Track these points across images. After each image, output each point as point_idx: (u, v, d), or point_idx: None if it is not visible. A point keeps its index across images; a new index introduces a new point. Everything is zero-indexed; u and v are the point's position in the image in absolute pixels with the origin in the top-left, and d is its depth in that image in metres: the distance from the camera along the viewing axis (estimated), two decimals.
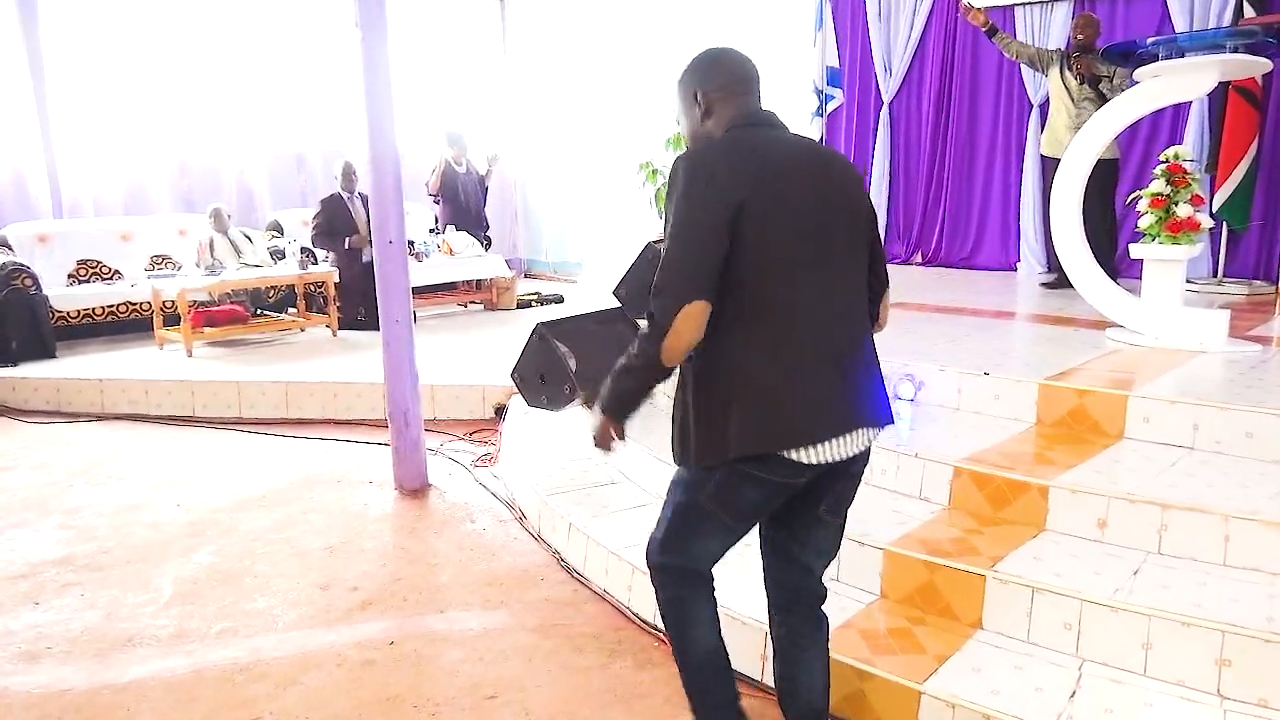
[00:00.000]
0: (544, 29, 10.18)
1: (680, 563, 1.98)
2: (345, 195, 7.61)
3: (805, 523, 1.97)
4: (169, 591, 3.25)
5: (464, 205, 8.55)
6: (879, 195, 7.53)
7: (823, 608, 2.08)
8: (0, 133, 7.61)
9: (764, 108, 1.89)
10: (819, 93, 7.38)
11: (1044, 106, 6.51)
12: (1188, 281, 4.72)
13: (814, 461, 1.76)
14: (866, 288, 1.92)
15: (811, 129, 7.52)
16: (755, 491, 1.82)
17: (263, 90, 8.81)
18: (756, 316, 1.73)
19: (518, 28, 10.46)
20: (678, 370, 1.83)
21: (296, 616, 3.04)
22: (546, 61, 10.23)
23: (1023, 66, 6.57)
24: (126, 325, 7.21)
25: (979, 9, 5.63)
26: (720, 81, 1.87)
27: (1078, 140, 4.16)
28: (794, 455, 1.75)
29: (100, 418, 5.71)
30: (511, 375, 3.28)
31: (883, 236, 6.68)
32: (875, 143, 7.51)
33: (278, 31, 8.78)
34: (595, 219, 9.87)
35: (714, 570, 2.01)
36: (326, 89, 9.04)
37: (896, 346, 4.17)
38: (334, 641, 2.85)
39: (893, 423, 1.97)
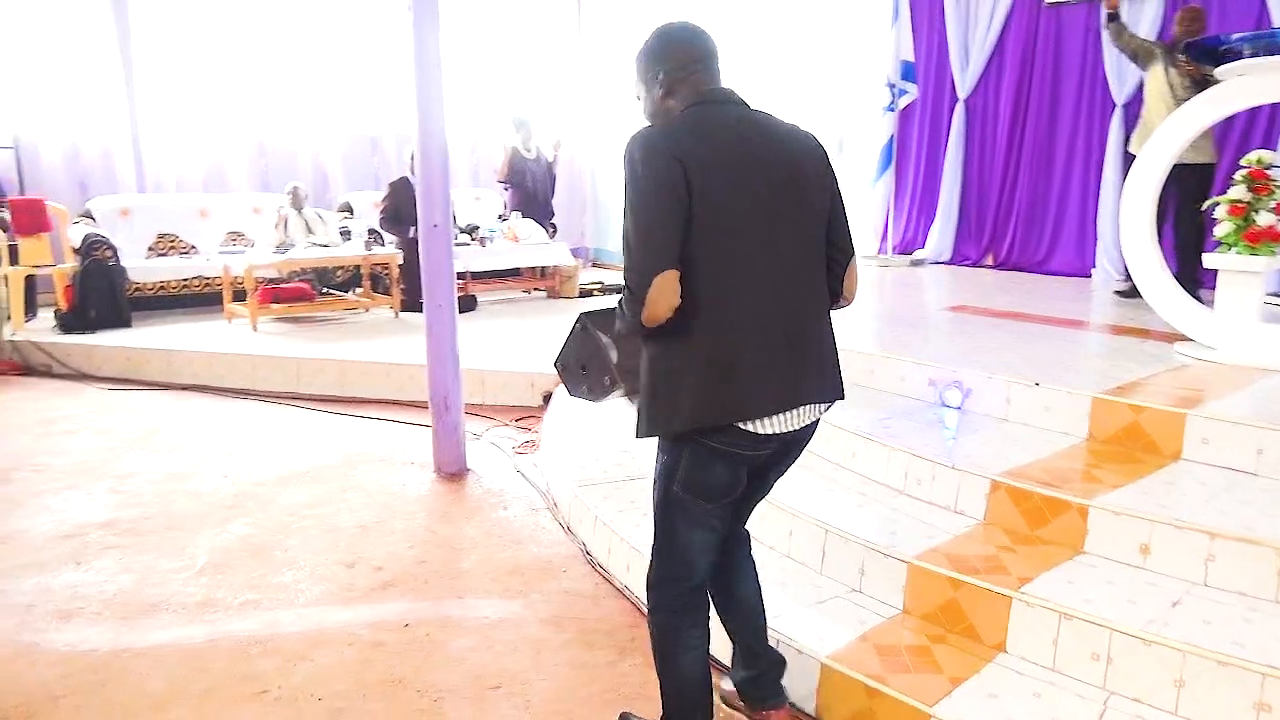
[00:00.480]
0: (620, 10, 10.13)
1: (673, 572, 2.02)
2: (414, 179, 7.68)
3: (756, 488, 2.08)
4: (202, 560, 3.32)
5: (531, 192, 8.59)
6: (950, 195, 7.29)
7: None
8: (91, 111, 7.91)
9: (723, 85, 1.92)
10: (891, 87, 7.18)
11: (1129, 105, 6.21)
12: (1269, 295, 4.44)
13: (771, 433, 1.83)
14: (823, 262, 1.95)
15: (883, 125, 7.33)
16: (724, 466, 1.87)
17: (340, 74, 8.97)
18: (708, 292, 1.76)
19: (593, 9, 10.43)
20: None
21: (319, 593, 3.07)
22: (621, 45, 10.18)
23: (1108, 63, 6.27)
24: (199, 298, 7.44)
25: None
26: (680, 59, 1.88)
27: (1151, 142, 3.94)
28: (750, 427, 1.81)
29: (167, 387, 5.90)
30: (555, 364, 3.27)
31: (952, 236, 6.44)
32: (948, 140, 7.27)
33: (356, 16, 8.93)
34: None
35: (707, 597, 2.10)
36: (402, 73, 9.15)
37: (948, 351, 4.02)
38: (349, 620, 2.87)
39: (842, 397, 2.03)
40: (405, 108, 9.05)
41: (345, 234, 7.85)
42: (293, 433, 4.92)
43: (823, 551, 2.87)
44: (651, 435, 1.91)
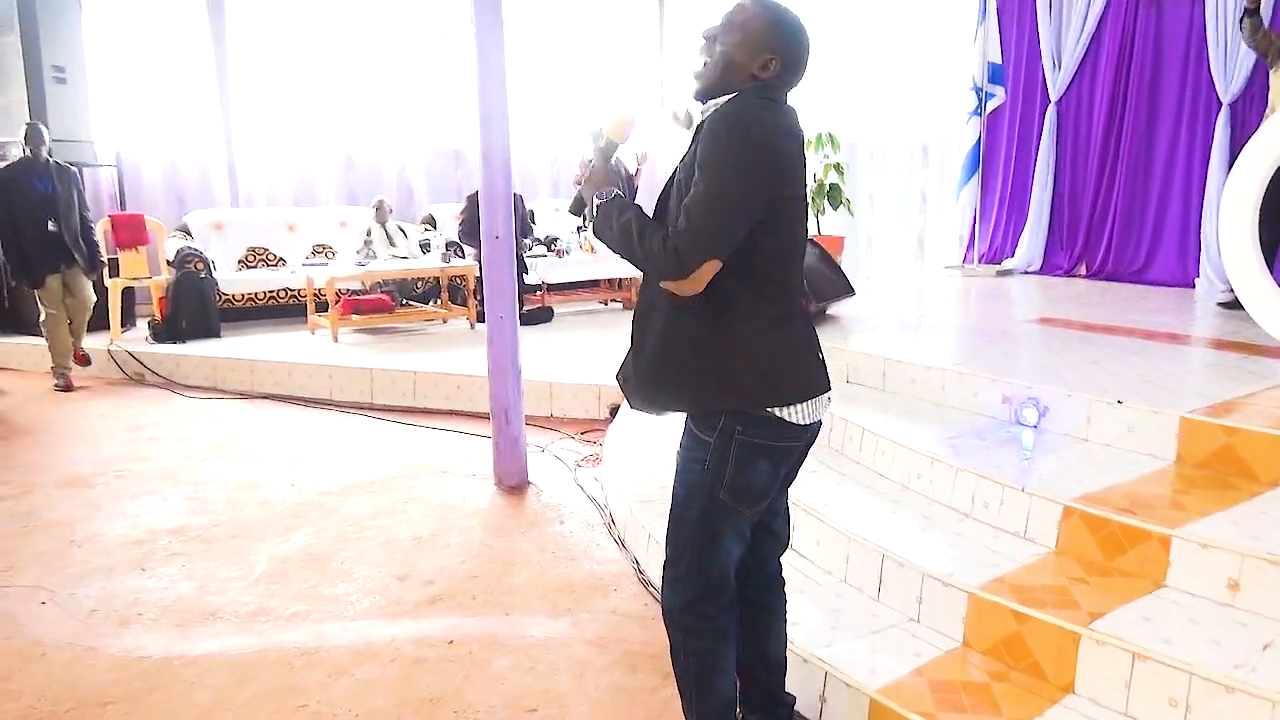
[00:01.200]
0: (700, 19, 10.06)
1: (707, 591, 1.92)
2: None
3: (780, 493, 2.04)
4: (260, 569, 3.36)
5: None
6: (1041, 201, 6.97)
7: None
8: (189, 130, 8.25)
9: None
10: (978, 90, 6.92)
11: (1235, 104, 5.83)
12: None
13: (808, 422, 1.85)
14: None
15: (968, 129, 7.07)
16: (768, 464, 1.85)
17: (424, 88, 9.14)
18: (770, 288, 1.80)
19: (676, 19, 10.39)
20: (658, 330, 1.83)
21: (367, 605, 3.07)
22: None
23: (1213, 59, 5.90)
24: (286, 309, 7.66)
25: None
26: (794, 76, 1.83)
27: (1254, 143, 3.66)
28: (792, 416, 1.81)
29: (249, 396, 6.07)
30: (617, 377, 3.20)
31: (1043, 245, 6.15)
32: (1039, 144, 6.95)
33: (440, 31, 9.09)
34: None
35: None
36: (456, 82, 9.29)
37: (1027, 366, 3.81)
38: (395, 635, 2.85)
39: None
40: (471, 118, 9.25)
41: (425, 247, 7.98)
42: (362, 443, 4.99)
43: (880, 578, 2.72)
44: (693, 409, 1.86)
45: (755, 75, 1.79)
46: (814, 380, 1.86)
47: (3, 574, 3.34)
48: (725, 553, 1.89)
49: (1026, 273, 7.03)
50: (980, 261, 7.28)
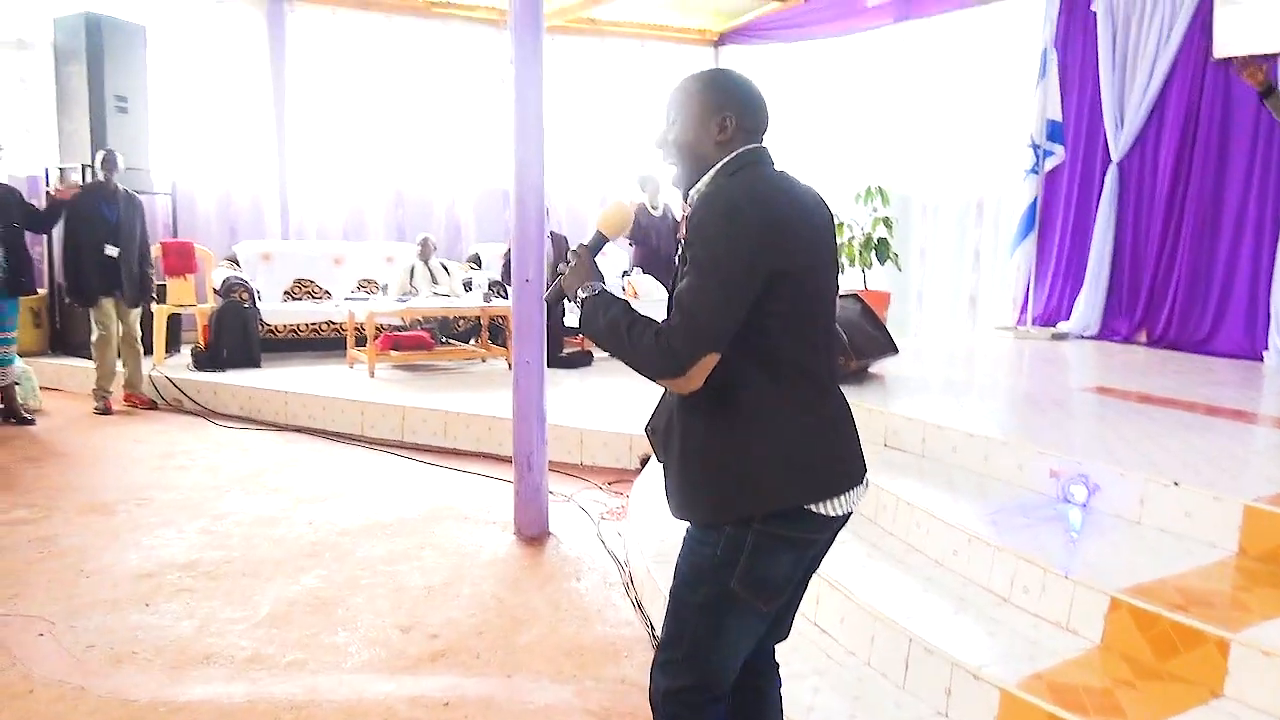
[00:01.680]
0: (752, 70, 10.04)
1: (702, 681, 1.75)
2: None
3: (800, 586, 1.86)
4: (264, 611, 3.26)
5: (655, 249, 8.51)
6: (1100, 263, 6.71)
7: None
8: (244, 162, 8.41)
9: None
10: (1036, 148, 6.72)
11: None
12: None
13: (838, 514, 1.69)
14: None
15: (1025, 188, 6.87)
16: (789, 556, 1.69)
17: (475, 128, 9.21)
18: (785, 369, 1.65)
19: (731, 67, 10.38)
20: (676, 422, 1.73)
21: (367, 658, 2.94)
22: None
23: None
24: (327, 342, 7.68)
25: (1259, 66, 4.75)
26: (755, 121, 1.73)
27: None
28: (822, 509, 1.66)
29: (281, 428, 6.05)
30: (646, 430, 3.06)
31: (1101, 309, 5.90)
32: (1099, 204, 6.71)
33: (493, 73, 9.18)
34: None
35: None
36: None
37: (1078, 438, 3.59)
38: (390, 692, 2.72)
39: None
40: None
41: (468, 285, 7.97)
42: (387, 482, 4.90)
43: (906, 664, 2.52)
44: (719, 520, 1.68)
45: (719, 142, 1.69)
46: (844, 471, 1.70)
47: (9, 601, 3.29)
48: (730, 646, 1.72)
49: (1082, 337, 6.76)
50: (1034, 323, 7.02)
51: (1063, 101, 6.80)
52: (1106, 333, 6.71)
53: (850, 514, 1.73)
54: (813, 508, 1.65)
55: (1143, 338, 6.55)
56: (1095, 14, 6.69)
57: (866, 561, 3.08)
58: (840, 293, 5.32)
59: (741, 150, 1.69)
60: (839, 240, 6.76)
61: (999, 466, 3.47)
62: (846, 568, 3.00)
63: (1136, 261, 6.64)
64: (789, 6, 9.48)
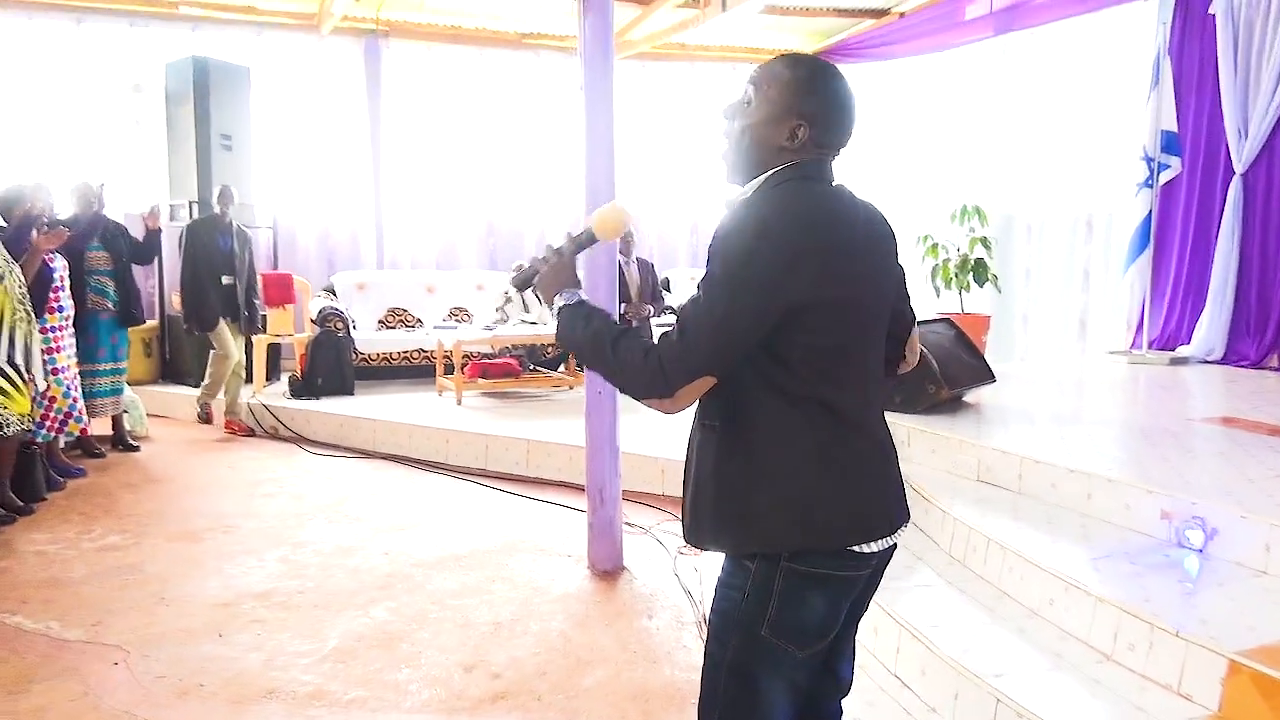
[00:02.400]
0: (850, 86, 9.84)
1: None
2: (623, 259, 7.71)
3: (847, 629, 1.71)
4: (331, 644, 3.24)
5: None
6: (1224, 281, 6.23)
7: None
8: (341, 197, 8.67)
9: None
10: (1149, 161, 6.31)
11: None
12: None
13: (874, 550, 1.55)
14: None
15: (1138, 203, 6.45)
16: (823, 598, 1.53)
17: (568, 157, 9.25)
18: (806, 403, 1.50)
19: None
20: (696, 443, 1.62)
21: (426, 698, 2.87)
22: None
23: None
24: (418, 370, 7.79)
25: None
26: (833, 137, 1.56)
27: None
28: (860, 547, 1.52)
29: (369, 455, 6.13)
30: None
31: (1225, 331, 5.46)
32: (1221, 219, 6.25)
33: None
34: None
35: None
36: (620, 156, 9.33)
37: (1195, 476, 3.27)
38: None
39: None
40: (619, 189, 9.29)
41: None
42: (466, 511, 4.88)
43: None
44: (738, 550, 1.55)
45: (784, 147, 1.53)
46: (873, 515, 1.54)
47: (91, 628, 3.36)
48: (768, 706, 1.55)
49: (1205, 361, 6.28)
50: (1150, 347, 6.57)
51: (1178, 111, 6.37)
52: (1232, 357, 6.22)
53: (893, 548, 1.59)
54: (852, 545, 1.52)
55: (1274, 362, 6.04)
56: (1214, 17, 6.26)
57: (952, 608, 2.85)
58: (929, 318, 5.08)
59: (801, 163, 1.54)
60: (934, 261, 6.52)
61: (1104, 506, 3.19)
62: (929, 614, 2.78)
63: (1265, 280, 6.14)
64: (883, 24, 9.24)
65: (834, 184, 1.56)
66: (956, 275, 6.12)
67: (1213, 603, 2.48)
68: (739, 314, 1.42)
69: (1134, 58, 6.74)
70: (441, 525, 4.63)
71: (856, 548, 1.51)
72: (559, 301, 1.61)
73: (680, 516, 1.65)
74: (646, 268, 7.78)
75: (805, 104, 1.52)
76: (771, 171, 1.54)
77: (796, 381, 1.48)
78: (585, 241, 1.69)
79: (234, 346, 6.45)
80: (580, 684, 2.98)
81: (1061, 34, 7.39)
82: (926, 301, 6.67)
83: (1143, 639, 2.37)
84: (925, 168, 8.73)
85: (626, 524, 4.14)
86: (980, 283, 6.09)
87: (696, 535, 1.59)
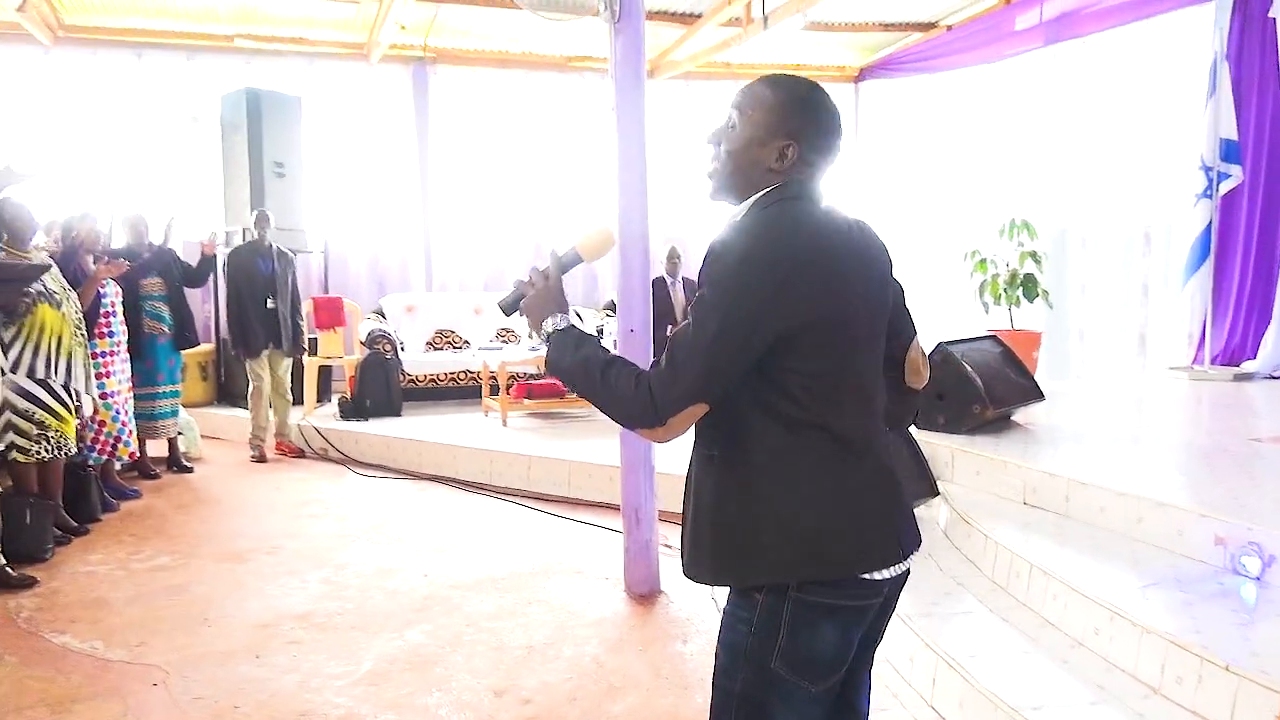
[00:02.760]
0: (896, 111, 9.73)
1: None
2: (669, 279, 7.71)
3: (861, 661, 1.63)
4: (365, 668, 3.25)
5: None
6: None
7: None
8: (391, 222, 8.83)
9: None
10: (1208, 170, 6.11)
11: None
12: None
13: (885, 577, 1.49)
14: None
15: (1196, 214, 6.24)
16: (834, 628, 1.48)
17: (611, 178, 9.29)
18: (805, 429, 1.46)
19: (871, 109, 10.10)
20: (695, 474, 1.57)
21: None
22: (896, 143, 9.75)
23: None
24: (465, 390, 7.85)
25: None
26: (820, 156, 1.54)
27: None
28: (869, 575, 1.48)
29: (415, 476, 6.18)
30: None
31: None
32: None
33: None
34: (936, 309, 9.09)
35: None
36: (658, 174, 9.34)
37: (1255, 499, 3.12)
38: None
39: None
40: (671, 209, 9.30)
41: (601, 332, 7.99)
42: (507, 533, 4.88)
43: None
44: (743, 583, 1.51)
45: (773, 169, 1.51)
46: (882, 541, 1.49)
47: (135, 648, 3.42)
48: None
49: (1272, 377, 6.03)
50: (1213, 363, 6.33)
51: (1238, 118, 6.16)
52: None
53: (906, 574, 1.55)
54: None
55: None
56: (1274, 20, 6.06)
57: (992, 637, 2.76)
58: (974, 335, 4.95)
59: (789, 182, 1.52)
60: (982, 277, 6.37)
61: (1154, 531, 3.06)
62: (968, 643, 2.69)
63: None
64: (931, 37, 9.14)
65: (823, 204, 1.54)
66: (1005, 291, 5.97)
67: (1269, 635, 2.36)
68: (729, 338, 1.39)
69: (1190, 64, 6.54)
70: (481, 547, 4.64)
71: (866, 575, 1.46)
72: (547, 327, 1.57)
73: (680, 549, 1.61)
74: (692, 288, 7.75)
75: (792, 123, 1.50)
76: (762, 193, 1.52)
77: (795, 407, 1.45)
78: (570, 262, 1.66)
79: (267, 376, 6.53)
80: (610, 710, 2.95)
81: (1114, 41, 7.21)
82: (974, 318, 6.52)
83: (1191, 672, 2.26)
84: (973, 182, 8.58)
85: (664, 546, 4.10)
86: (1030, 298, 5.93)
87: (696, 570, 1.55)
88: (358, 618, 3.72)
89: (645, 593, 3.95)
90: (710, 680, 1.57)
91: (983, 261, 6.13)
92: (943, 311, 8.88)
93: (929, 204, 9.23)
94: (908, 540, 1.54)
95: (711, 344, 1.40)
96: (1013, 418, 4.50)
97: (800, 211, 1.48)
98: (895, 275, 1.67)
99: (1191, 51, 6.59)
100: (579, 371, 1.50)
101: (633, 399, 1.43)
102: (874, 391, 1.57)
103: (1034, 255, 5.96)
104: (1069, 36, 7.74)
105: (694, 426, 1.53)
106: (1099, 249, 7.57)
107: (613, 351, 1.53)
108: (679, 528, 1.64)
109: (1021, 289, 5.90)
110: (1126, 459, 3.75)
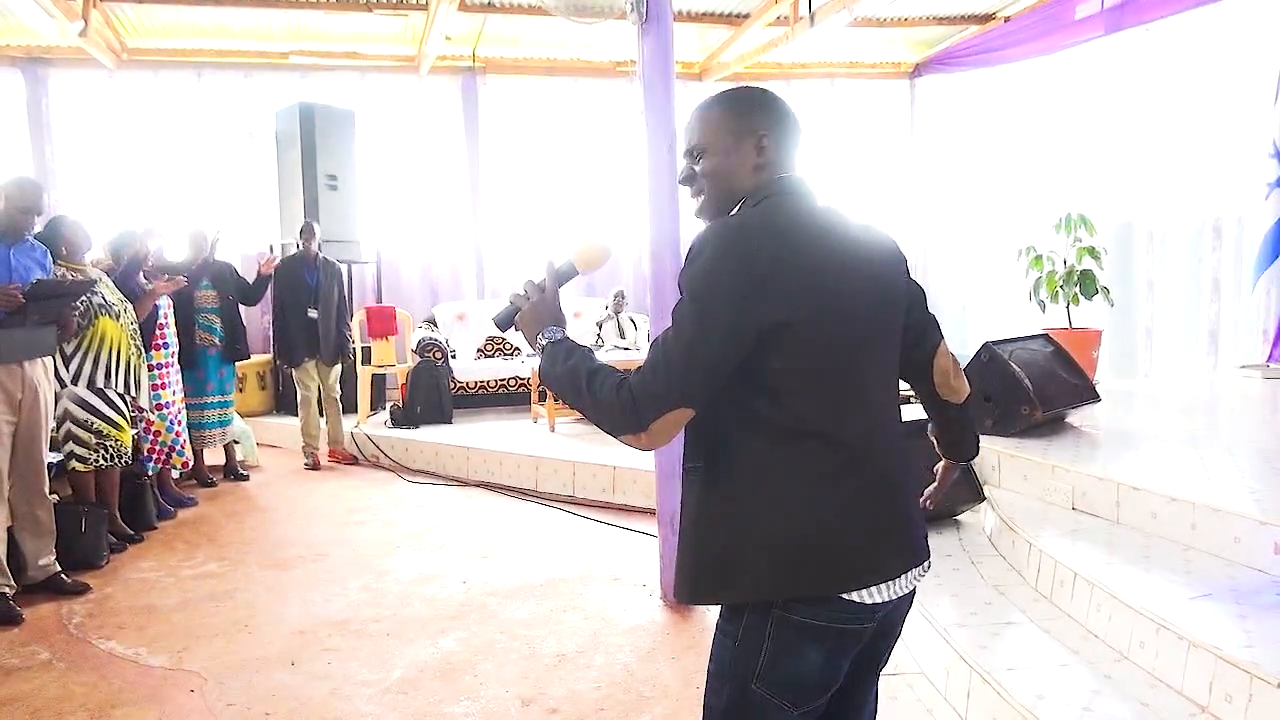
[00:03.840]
0: (953, 106, 9.50)
1: None
2: None
3: (863, 682, 1.56)
4: (396, 675, 3.26)
5: None
6: None
7: None
8: (443, 232, 8.93)
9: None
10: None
11: None
12: None
13: (878, 601, 1.42)
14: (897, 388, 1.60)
15: (1269, 205, 5.95)
16: (818, 651, 1.41)
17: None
18: (796, 434, 1.40)
19: (927, 106, 9.88)
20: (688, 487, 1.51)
21: None
22: (952, 139, 9.51)
23: None
24: (515, 397, 7.89)
25: None
26: (787, 133, 1.52)
27: None
28: (855, 596, 1.40)
29: (463, 483, 6.22)
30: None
31: None
32: None
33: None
34: (992, 307, 8.83)
35: None
36: None
37: None
38: None
39: (930, 559, 1.55)
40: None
41: (599, 326, 8.01)
42: (549, 539, 4.87)
43: None
44: (726, 600, 1.46)
45: (757, 166, 1.48)
46: (876, 557, 1.42)
47: (176, 654, 3.48)
48: None
49: None
50: None
51: None
52: None
53: (899, 599, 1.46)
54: (846, 595, 1.39)
55: None
56: None
57: (1030, 649, 2.64)
58: (1025, 334, 4.77)
59: (773, 180, 1.48)
60: (1038, 274, 6.15)
61: (1210, 539, 2.90)
62: (1007, 655, 2.58)
63: None
64: (988, 29, 8.89)
65: (815, 200, 1.49)
66: (1062, 288, 5.75)
67: None
68: (708, 337, 1.34)
69: (1259, 49, 6.24)
70: (522, 553, 4.63)
71: (856, 597, 1.39)
72: (541, 340, 1.54)
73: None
74: None
75: (754, 120, 1.50)
76: (748, 195, 1.49)
77: (784, 414, 1.39)
78: (566, 275, 1.64)
79: (316, 385, 6.62)
80: None
81: (1178, 27, 6.92)
82: (1031, 318, 6.31)
83: (1241, 691, 2.12)
84: (1033, 178, 8.31)
85: None
86: (1089, 295, 5.70)
87: (680, 590, 1.50)
88: (394, 625, 3.74)
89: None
90: None
91: (1038, 258, 5.92)
92: (999, 311, 8.64)
93: (987, 201, 8.98)
94: (911, 554, 1.47)
95: (690, 346, 1.35)
96: (1067, 419, 4.32)
97: (782, 206, 1.45)
98: (913, 278, 1.63)
99: (1260, 34, 6.28)
100: (566, 380, 1.46)
101: (614, 405, 1.38)
102: (882, 398, 1.50)
103: (1092, 251, 5.73)
104: (1131, 24, 7.45)
105: (683, 438, 1.48)
106: (1166, 243, 7.26)
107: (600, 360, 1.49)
108: None
109: (1079, 286, 5.67)
110: (1183, 462, 3.57)
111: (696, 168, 1.54)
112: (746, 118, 1.50)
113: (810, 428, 1.39)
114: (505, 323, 1.65)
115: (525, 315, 1.59)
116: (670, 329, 1.37)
